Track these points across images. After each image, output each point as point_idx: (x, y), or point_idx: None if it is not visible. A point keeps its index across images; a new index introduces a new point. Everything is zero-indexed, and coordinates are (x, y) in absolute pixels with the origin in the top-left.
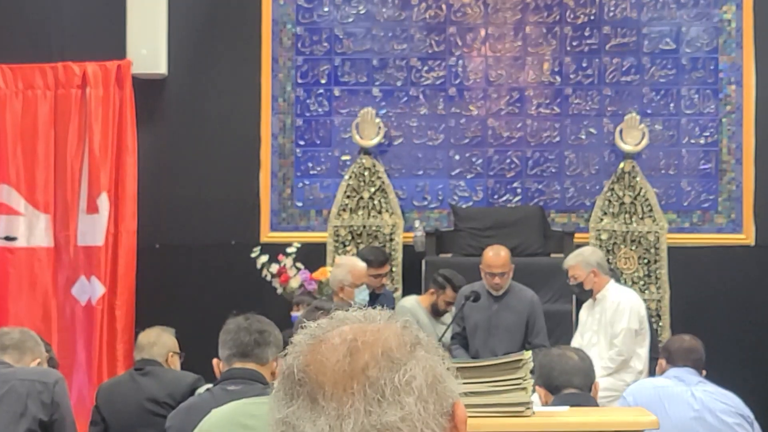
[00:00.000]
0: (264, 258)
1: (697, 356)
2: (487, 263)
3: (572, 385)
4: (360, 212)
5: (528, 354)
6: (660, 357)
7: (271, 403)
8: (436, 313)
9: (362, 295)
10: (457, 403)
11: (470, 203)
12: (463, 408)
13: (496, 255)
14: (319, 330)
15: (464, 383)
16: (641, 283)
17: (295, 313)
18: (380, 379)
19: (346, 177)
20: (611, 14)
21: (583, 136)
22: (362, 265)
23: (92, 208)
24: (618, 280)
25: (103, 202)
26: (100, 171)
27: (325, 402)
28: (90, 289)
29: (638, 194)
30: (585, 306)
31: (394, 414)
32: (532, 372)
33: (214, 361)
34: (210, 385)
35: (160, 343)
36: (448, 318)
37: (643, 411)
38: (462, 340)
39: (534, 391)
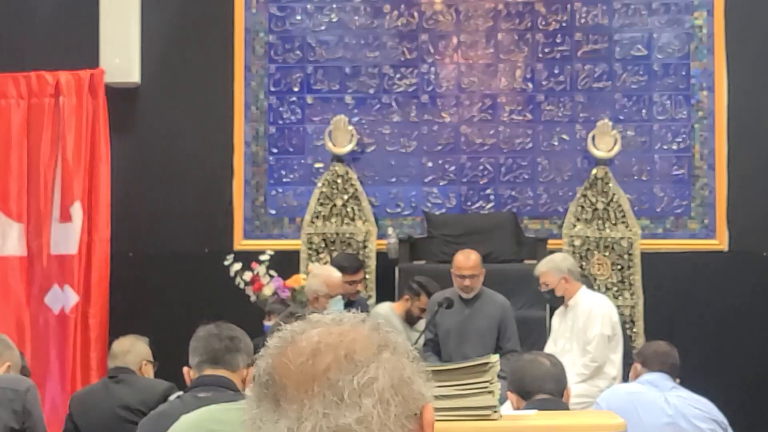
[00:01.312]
0: (237, 266)
1: (672, 361)
2: (457, 266)
3: (544, 390)
4: (333, 220)
5: (495, 357)
6: (635, 361)
7: (245, 404)
8: (410, 320)
9: (337, 306)
10: (426, 406)
11: (443, 210)
12: (431, 411)
13: (467, 258)
14: (290, 333)
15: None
16: (615, 289)
17: (268, 323)
18: (339, 381)
19: (319, 184)
20: (583, 21)
21: (556, 143)
22: (337, 275)
23: (65, 217)
24: (591, 287)
25: (77, 210)
26: (73, 180)
27: (286, 404)
28: (63, 298)
29: (611, 200)
30: (557, 313)
31: (351, 416)
32: (500, 376)
33: (185, 369)
34: (181, 393)
35: (134, 351)
36: (421, 325)
37: (611, 414)
38: (435, 346)
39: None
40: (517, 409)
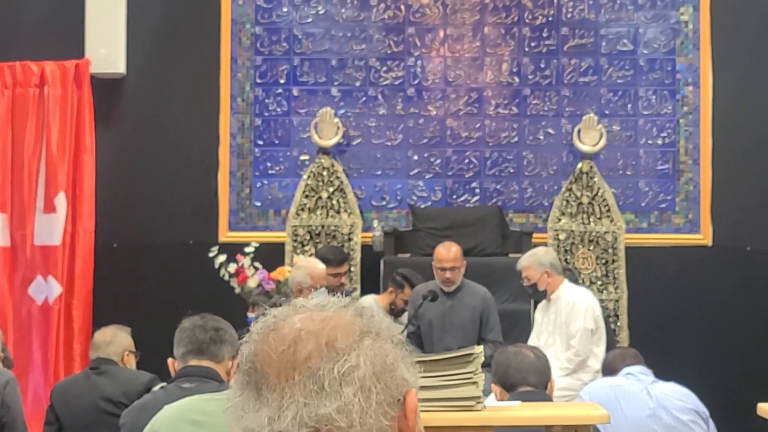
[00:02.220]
0: (222, 258)
1: (640, 357)
2: (438, 258)
3: (528, 382)
4: (318, 212)
5: (479, 348)
6: (604, 375)
7: (230, 391)
8: (394, 312)
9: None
10: (409, 391)
11: (429, 203)
12: (414, 396)
13: (447, 250)
14: (273, 319)
15: None
16: (599, 283)
17: (251, 315)
18: (320, 370)
19: (305, 177)
20: (569, 15)
21: (542, 137)
22: (321, 267)
23: (49, 208)
24: (576, 281)
25: (61, 201)
26: (57, 170)
27: (268, 393)
28: (47, 289)
29: (596, 194)
30: (540, 307)
31: (331, 405)
32: (484, 366)
33: (169, 360)
34: (165, 383)
35: (116, 342)
36: (406, 318)
37: (594, 406)
38: (417, 339)
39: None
40: (501, 400)
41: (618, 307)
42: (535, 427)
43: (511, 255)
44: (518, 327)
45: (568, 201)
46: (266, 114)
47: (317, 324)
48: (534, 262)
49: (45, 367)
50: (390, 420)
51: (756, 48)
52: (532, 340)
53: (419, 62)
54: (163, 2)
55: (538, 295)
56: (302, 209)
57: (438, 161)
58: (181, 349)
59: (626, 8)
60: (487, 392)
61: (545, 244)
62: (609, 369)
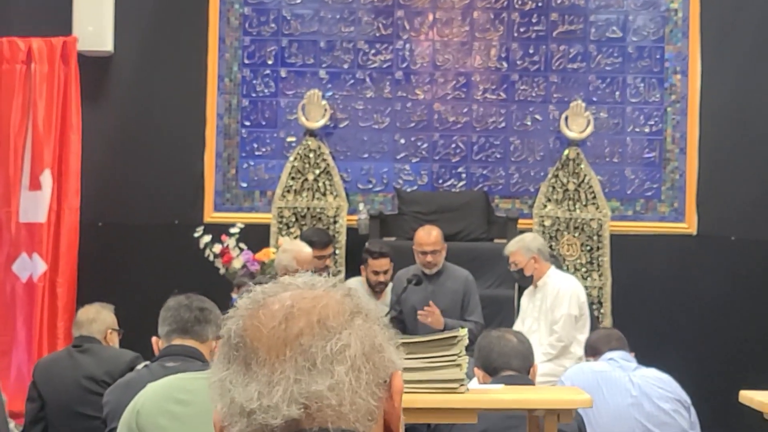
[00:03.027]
0: (207, 238)
1: (624, 340)
2: (418, 242)
3: (510, 367)
4: (304, 194)
5: (463, 331)
6: (587, 356)
7: (213, 365)
8: (372, 288)
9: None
10: (395, 373)
11: (415, 187)
12: (400, 378)
13: (428, 234)
14: (261, 295)
15: None
16: (583, 269)
17: (236, 296)
18: (312, 347)
19: (291, 158)
20: (559, 1)
21: (529, 123)
22: (308, 250)
23: (35, 185)
24: (560, 267)
25: (46, 179)
26: (43, 148)
27: (257, 368)
28: (31, 266)
29: (582, 181)
30: (526, 293)
31: (323, 383)
32: (467, 349)
33: (153, 339)
34: (148, 362)
35: (99, 319)
36: (388, 299)
37: (577, 390)
38: (399, 323)
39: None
40: (484, 384)
41: (602, 294)
42: (518, 411)
43: (496, 240)
44: (502, 312)
45: (554, 187)
46: (253, 95)
47: (308, 302)
48: (522, 247)
49: (29, 344)
50: (377, 401)
51: (745, 38)
52: (517, 325)
53: (408, 45)
54: None
55: (525, 280)
56: (288, 191)
57: (425, 145)
58: (165, 327)
59: None
60: (470, 376)
61: (531, 230)
62: (593, 350)
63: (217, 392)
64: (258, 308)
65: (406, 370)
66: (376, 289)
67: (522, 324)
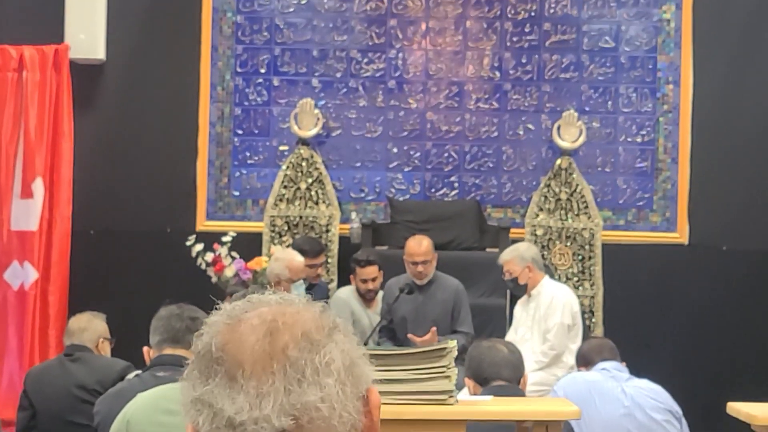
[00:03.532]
0: (199, 246)
1: (616, 350)
2: (409, 252)
3: (501, 377)
4: (297, 203)
5: (452, 343)
6: (578, 365)
7: (185, 383)
8: (362, 296)
9: (299, 290)
10: (371, 389)
11: (407, 196)
12: (377, 393)
13: (418, 244)
14: (237, 311)
15: (388, 370)
16: (575, 279)
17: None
18: (301, 360)
19: (284, 167)
20: (552, 11)
21: (521, 132)
22: (300, 259)
23: (27, 193)
24: (552, 276)
25: (38, 187)
26: (35, 155)
27: (244, 380)
28: (23, 275)
29: (574, 191)
30: (520, 302)
31: (314, 394)
32: (457, 359)
33: (145, 348)
34: (140, 371)
35: (91, 328)
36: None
37: (565, 402)
38: (389, 332)
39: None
40: (474, 394)
41: (593, 303)
42: (507, 422)
43: (488, 249)
44: (494, 322)
45: (546, 197)
46: (246, 103)
47: (290, 317)
48: (516, 256)
49: (20, 352)
50: (358, 415)
51: (737, 48)
52: (510, 334)
53: (400, 54)
54: None
55: (519, 289)
56: (280, 200)
57: (417, 154)
58: (156, 337)
59: (609, 5)
60: (459, 386)
61: (523, 240)
62: (584, 359)
63: (195, 408)
64: (237, 323)
65: (396, 381)
66: (366, 297)
67: (515, 333)
